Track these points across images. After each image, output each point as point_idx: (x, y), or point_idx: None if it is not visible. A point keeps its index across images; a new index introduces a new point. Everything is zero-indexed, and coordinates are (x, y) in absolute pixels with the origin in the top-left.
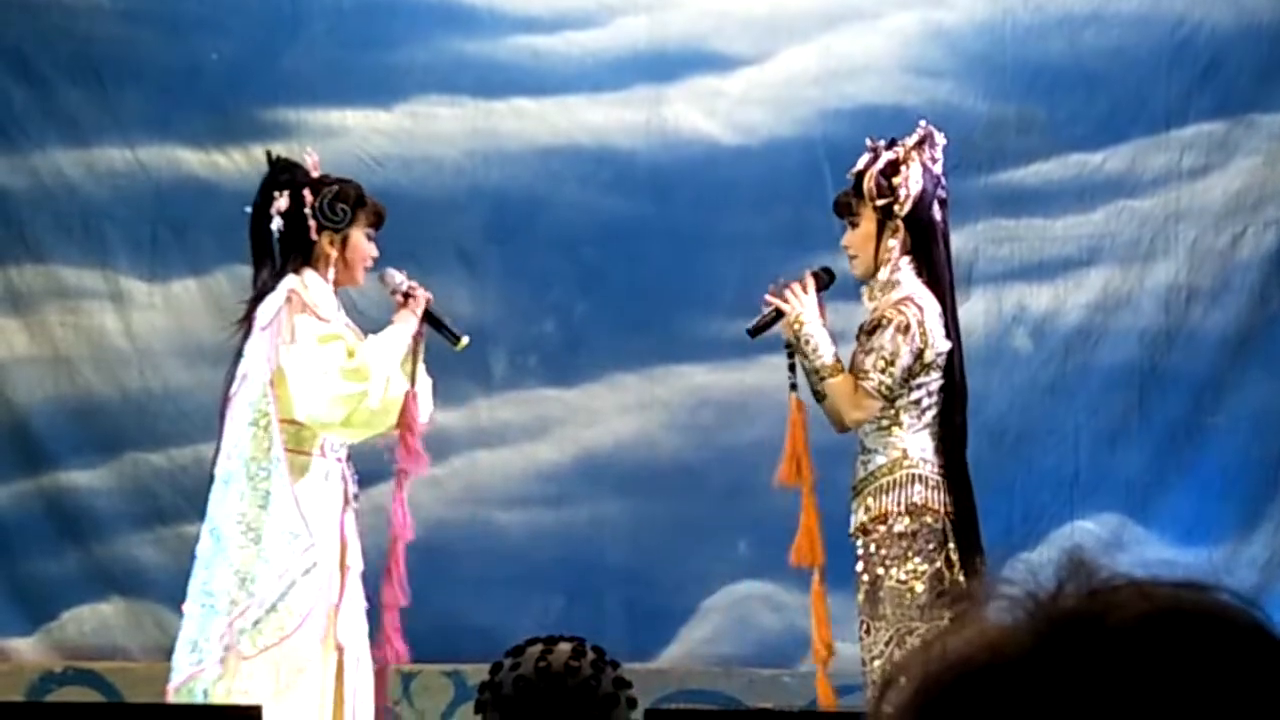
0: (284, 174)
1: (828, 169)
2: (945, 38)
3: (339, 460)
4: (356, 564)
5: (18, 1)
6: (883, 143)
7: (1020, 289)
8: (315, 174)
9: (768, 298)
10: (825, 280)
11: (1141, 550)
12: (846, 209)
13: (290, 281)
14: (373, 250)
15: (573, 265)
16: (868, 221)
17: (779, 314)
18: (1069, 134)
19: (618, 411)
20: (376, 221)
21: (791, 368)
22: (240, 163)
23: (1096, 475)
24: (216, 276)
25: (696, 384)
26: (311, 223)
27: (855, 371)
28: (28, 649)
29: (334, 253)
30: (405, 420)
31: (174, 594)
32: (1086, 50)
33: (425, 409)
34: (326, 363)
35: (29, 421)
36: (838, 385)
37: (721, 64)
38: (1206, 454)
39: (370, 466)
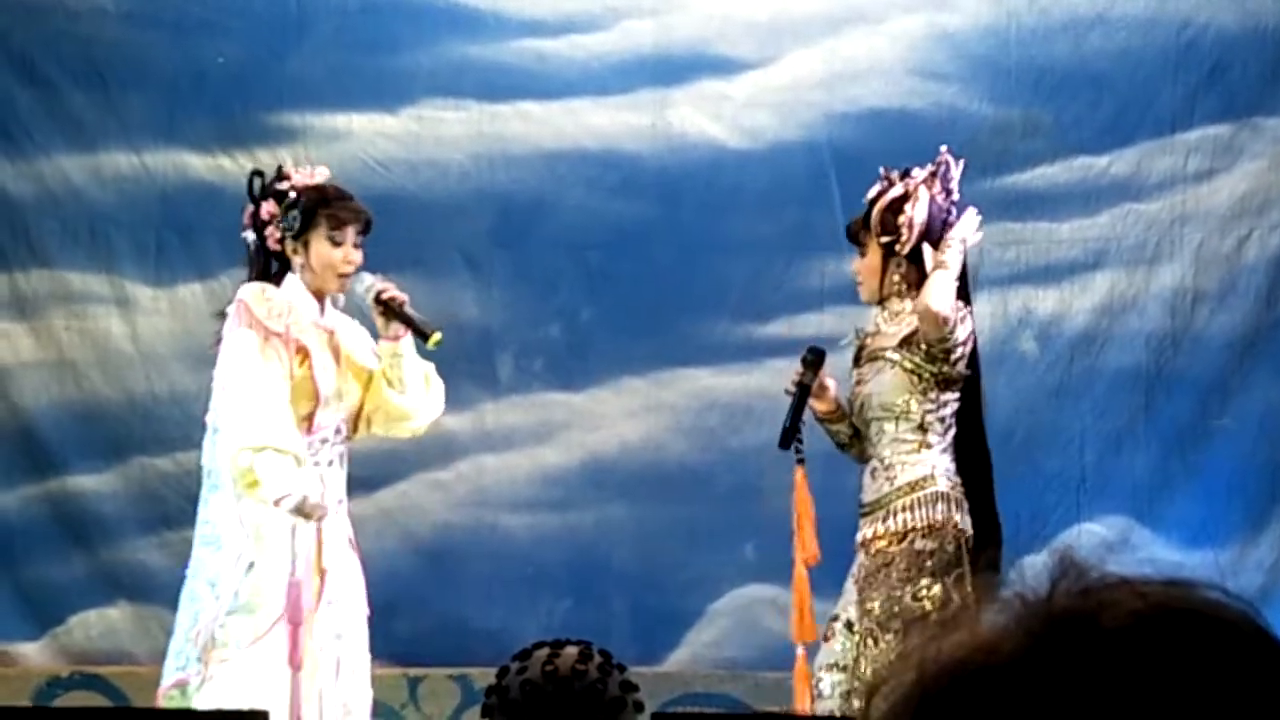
0: (254, 186)
1: (833, 172)
2: (950, 41)
3: (315, 463)
4: (340, 566)
5: (22, 5)
6: (896, 173)
7: (1026, 292)
8: (293, 181)
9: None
10: (818, 360)
11: (1148, 553)
12: (854, 235)
13: (245, 291)
14: (342, 255)
15: (578, 269)
16: (873, 254)
17: (805, 390)
18: (1074, 137)
19: (624, 415)
20: (339, 225)
21: (799, 445)
22: (246, 167)
23: (1103, 478)
24: (222, 281)
25: (703, 387)
26: (272, 231)
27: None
28: (34, 653)
29: (299, 260)
30: (290, 608)
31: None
32: (1092, 53)
33: (433, 411)
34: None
35: (35, 426)
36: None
37: (727, 67)
38: (1213, 457)
39: (378, 469)
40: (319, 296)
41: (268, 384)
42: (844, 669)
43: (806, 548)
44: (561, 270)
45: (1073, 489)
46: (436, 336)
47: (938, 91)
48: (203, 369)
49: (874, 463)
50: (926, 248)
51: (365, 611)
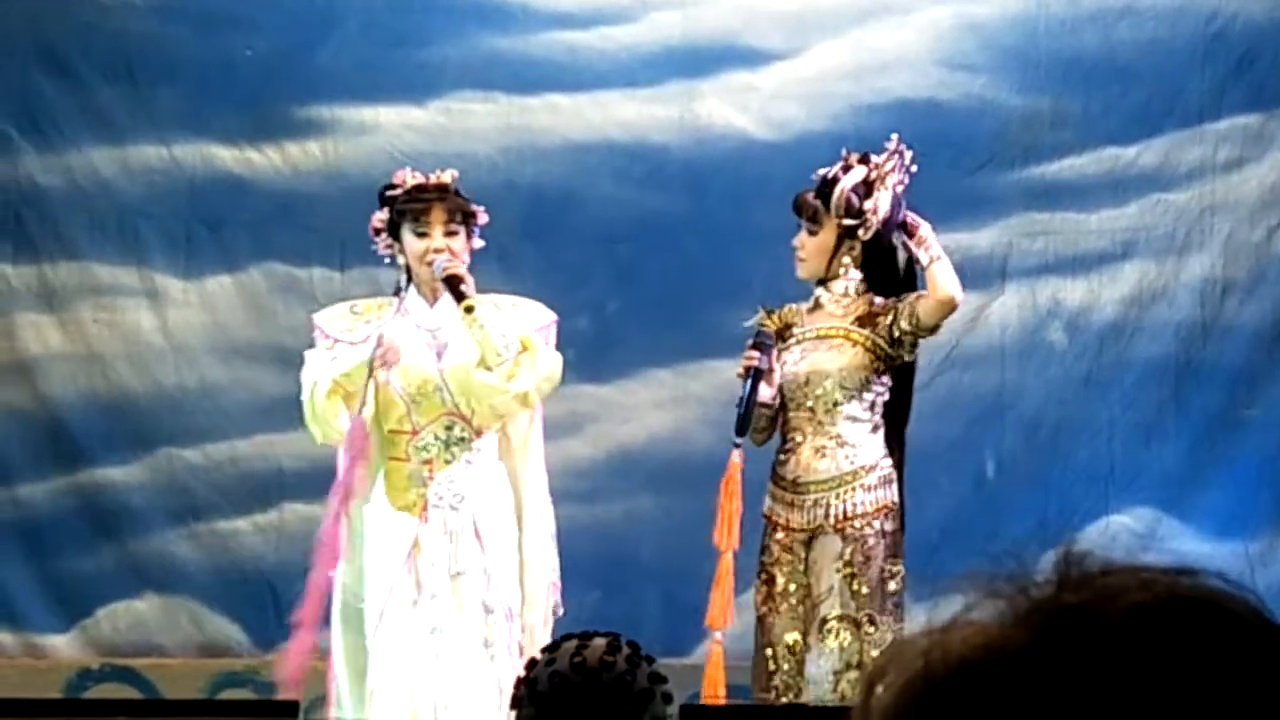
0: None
1: None
2: (978, 31)
3: (425, 462)
4: (452, 561)
5: None
6: (855, 156)
7: (1055, 283)
8: (399, 186)
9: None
10: (770, 345)
11: (1177, 544)
12: (808, 211)
13: (318, 316)
14: (427, 245)
15: (606, 261)
16: (828, 233)
17: (759, 374)
18: (1103, 127)
19: (652, 407)
20: (419, 215)
21: (744, 429)
22: (274, 159)
23: (1132, 469)
24: (251, 273)
25: (730, 379)
26: (383, 238)
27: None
28: (64, 646)
29: (403, 260)
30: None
31: (209, 590)
32: (1120, 43)
33: (531, 377)
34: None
35: (64, 418)
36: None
37: (754, 59)
38: (1242, 447)
39: None
40: (430, 294)
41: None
42: (860, 665)
43: (733, 534)
44: (589, 262)
45: (1101, 480)
46: (466, 303)
47: (966, 82)
48: (233, 361)
49: (819, 440)
50: (921, 240)
51: (485, 610)
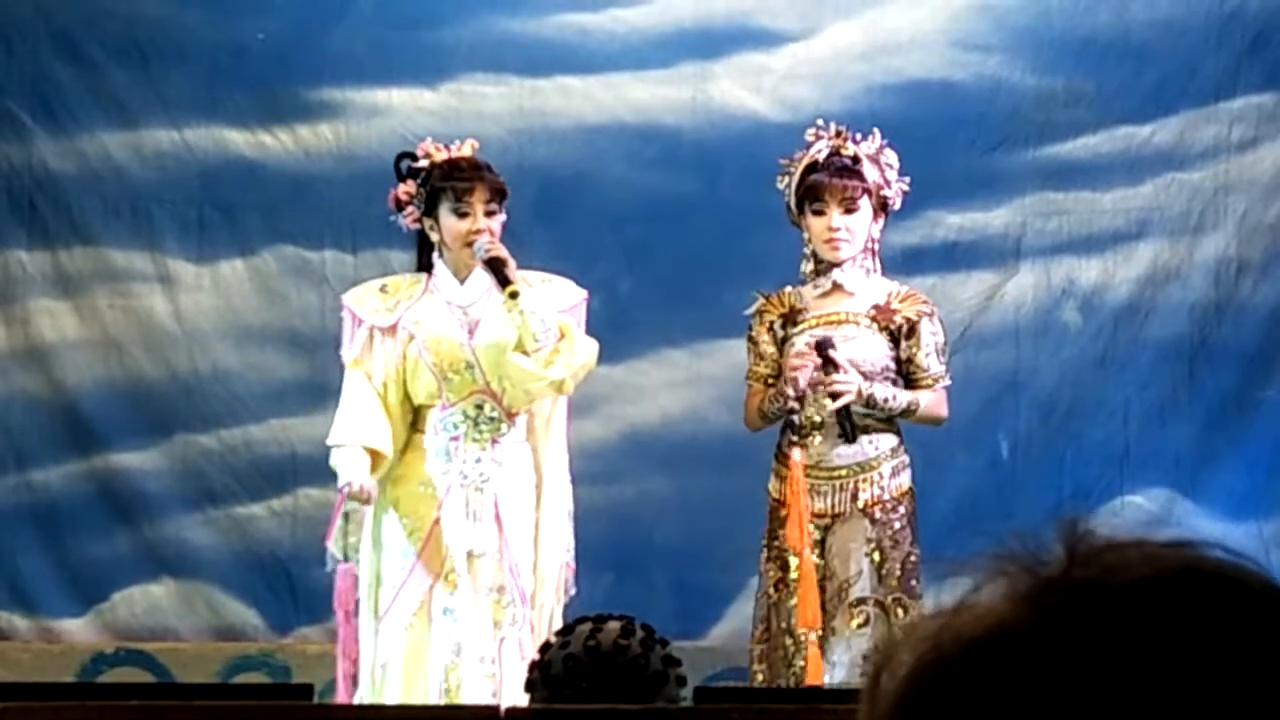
0: (400, 168)
1: None
2: (992, 11)
3: (453, 439)
4: (466, 545)
5: None
6: (838, 130)
7: (1069, 262)
8: (426, 159)
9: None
10: (834, 348)
11: (1191, 525)
12: (848, 191)
13: (348, 296)
14: (469, 225)
15: (618, 242)
16: (866, 209)
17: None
18: (1117, 107)
19: (665, 388)
20: (461, 195)
21: (791, 427)
22: (287, 143)
23: (1146, 449)
24: (264, 257)
25: (743, 359)
26: (410, 211)
27: (922, 377)
28: (79, 630)
29: (436, 237)
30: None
31: (224, 575)
32: (1134, 22)
33: (567, 365)
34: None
35: (79, 404)
36: (930, 401)
37: (767, 40)
38: (1257, 427)
39: None
40: (462, 271)
41: (355, 386)
42: None
43: (806, 538)
44: (601, 243)
45: (1115, 460)
46: (511, 289)
47: (980, 62)
48: (246, 346)
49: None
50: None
51: (499, 591)
